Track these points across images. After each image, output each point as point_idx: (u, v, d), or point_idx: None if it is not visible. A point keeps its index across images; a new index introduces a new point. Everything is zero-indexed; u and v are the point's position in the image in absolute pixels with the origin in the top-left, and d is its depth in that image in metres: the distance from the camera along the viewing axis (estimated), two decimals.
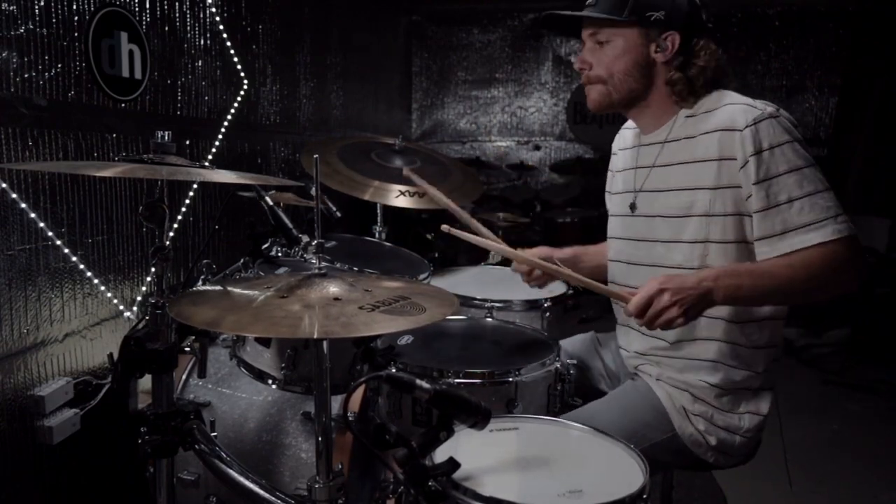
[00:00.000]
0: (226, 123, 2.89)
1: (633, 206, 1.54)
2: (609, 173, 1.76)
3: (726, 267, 1.33)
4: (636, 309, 1.24)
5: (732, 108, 1.35)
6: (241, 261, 1.86)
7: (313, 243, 1.16)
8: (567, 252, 1.70)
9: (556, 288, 2.19)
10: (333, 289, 1.09)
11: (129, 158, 1.18)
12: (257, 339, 1.52)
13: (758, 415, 1.44)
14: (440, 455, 1.03)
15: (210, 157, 2.79)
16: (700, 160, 1.38)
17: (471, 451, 1.10)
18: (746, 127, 1.30)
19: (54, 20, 1.89)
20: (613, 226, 1.65)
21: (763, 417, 1.44)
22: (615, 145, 1.73)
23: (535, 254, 1.60)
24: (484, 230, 1.55)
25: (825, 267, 1.25)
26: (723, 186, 1.35)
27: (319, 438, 1.09)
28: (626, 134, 1.67)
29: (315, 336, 0.98)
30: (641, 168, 1.54)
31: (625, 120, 1.67)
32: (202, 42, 2.67)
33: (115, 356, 1.18)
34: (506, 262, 2.60)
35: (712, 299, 1.24)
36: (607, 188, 1.77)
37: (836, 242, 1.24)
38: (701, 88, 1.43)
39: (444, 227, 1.45)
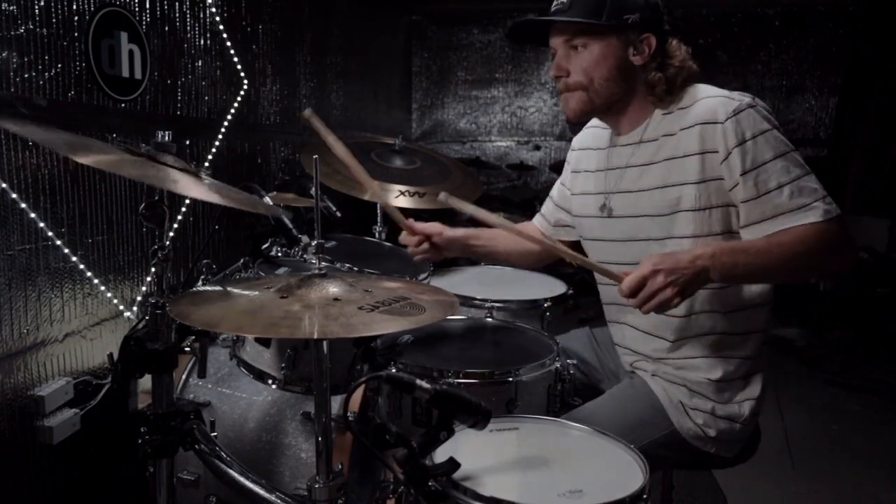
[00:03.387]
0: (226, 123, 2.89)
1: (604, 208, 1.53)
2: (568, 171, 1.72)
3: (722, 245, 1.33)
4: (629, 289, 1.23)
5: (711, 101, 1.36)
6: (241, 261, 1.86)
7: (313, 243, 1.17)
8: (459, 232, 1.72)
9: (557, 288, 2.19)
10: (333, 289, 1.09)
11: (129, 150, 1.18)
12: (257, 339, 1.52)
13: (752, 399, 1.45)
14: (440, 455, 1.03)
15: (210, 157, 2.78)
16: (683, 155, 1.39)
17: (471, 451, 1.10)
18: (727, 119, 1.31)
19: (54, 20, 1.89)
20: (586, 227, 1.62)
21: (755, 401, 1.46)
22: (577, 143, 1.70)
23: (426, 228, 1.66)
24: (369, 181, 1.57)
25: (819, 244, 1.26)
26: (707, 180, 1.36)
27: (319, 438, 1.09)
28: (598, 133, 1.63)
29: (315, 336, 0.98)
30: (614, 170, 1.53)
31: None
32: (202, 42, 2.67)
33: (115, 356, 1.18)
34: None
35: (708, 277, 1.24)
36: (563, 181, 1.74)
37: (828, 222, 1.26)
38: (678, 87, 1.43)
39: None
